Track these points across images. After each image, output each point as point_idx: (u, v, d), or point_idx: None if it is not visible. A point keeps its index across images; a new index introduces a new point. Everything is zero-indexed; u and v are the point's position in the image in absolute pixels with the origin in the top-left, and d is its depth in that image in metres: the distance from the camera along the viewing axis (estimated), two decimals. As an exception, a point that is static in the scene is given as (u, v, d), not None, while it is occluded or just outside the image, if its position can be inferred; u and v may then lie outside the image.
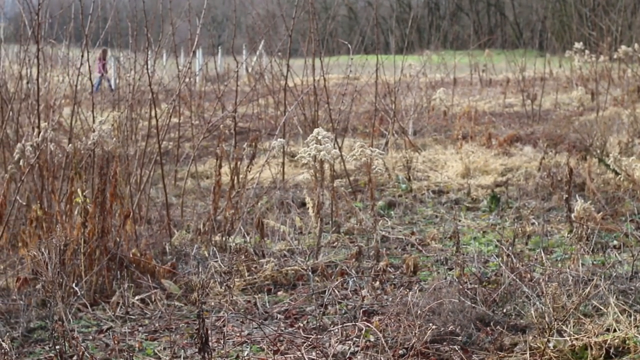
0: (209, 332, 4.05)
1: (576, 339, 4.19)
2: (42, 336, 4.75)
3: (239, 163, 6.88)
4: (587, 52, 16.68)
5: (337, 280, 5.60)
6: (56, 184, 6.13)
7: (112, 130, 5.98)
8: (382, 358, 4.17)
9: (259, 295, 5.48)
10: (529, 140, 11.47)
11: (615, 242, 6.39)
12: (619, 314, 4.50)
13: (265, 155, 7.95)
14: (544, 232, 6.65)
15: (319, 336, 4.53)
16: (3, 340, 4.12)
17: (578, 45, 16.32)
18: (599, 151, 9.56)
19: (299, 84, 11.36)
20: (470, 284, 5.28)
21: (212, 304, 5.24)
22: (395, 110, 11.26)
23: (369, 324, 4.51)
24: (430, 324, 4.28)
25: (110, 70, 19.30)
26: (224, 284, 5.52)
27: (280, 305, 5.29)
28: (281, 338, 4.59)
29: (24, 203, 6.06)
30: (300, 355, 4.19)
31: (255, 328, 4.82)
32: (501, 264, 5.48)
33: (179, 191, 8.65)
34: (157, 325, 4.93)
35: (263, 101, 13.51)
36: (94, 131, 5.83)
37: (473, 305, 4.76)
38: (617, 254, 5.97)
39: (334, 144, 7.64)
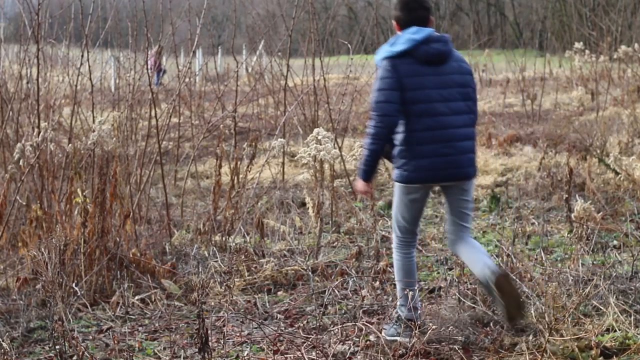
0: (209, 332, 4.05)
1: (576, 339, 4.19)
2: (42, 336, 4.75)
3: (239, 163, 6.89)
4: (587, 52, 16.67)
5: (337, 280, 5.60)
6: (56, 184, 6.14)
7: (112, 130, 5.98)
8: (382, 358, 4.17)
9: (259, 295, 5.48)
10: (529, 140, 11.47)
11: (615, 242, 6.38)
12: (619, 314, 4.50)
13: (265, 155, 7.95)
14: (544, 232, 6.65)
15: (319, 336, 4.53)
16: (3, 340, 4.13)
17: (578, 45, 16.31)
18: (599, 151, 9.56)
19: (299, 84, 11.36)
20: (470, 284, 5.28)
21: (212, 304, 5.24)
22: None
23: (369, 324, 4.51)
24: (430, 324, 4.28)
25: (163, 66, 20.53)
26: (224, 284, 5.52)
27: (280, 305, 5.29)
28: (281, 338, 4.59)
29: (24, 203, 6.06)
30: (300, 355, 4.18)
31: (255, 328, 4.82)
32: (501, 264, 5.48)
33: (179, 191, 8.65)
34: (157, 325, 4.94)
35: (263, 101, 13.51)
36: (94, 131, 5.83)
37: (473, 305, 4.76)
38: (617, 254, 5.96)
39: (334, 144, 7.64)
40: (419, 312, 4.45)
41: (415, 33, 4.35)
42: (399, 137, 4.36)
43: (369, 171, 4.42)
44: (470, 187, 4.50)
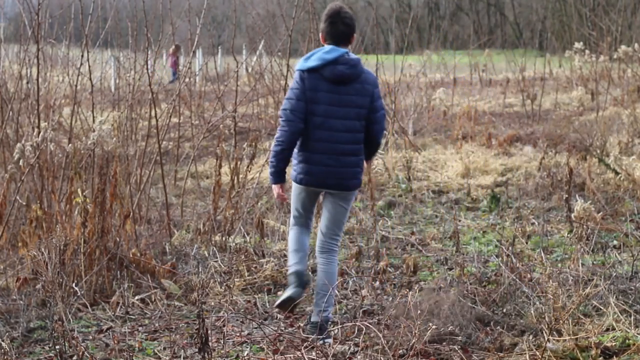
0: (209, 332, 4.05)
1: (576, 338, 4.19)
2: (42, 336, 4.75)
3: (239, 163, 6.88)
4: (587, 52, 16.67)
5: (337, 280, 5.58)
6: (56, 184, 6.13)
7: (112, 130, 5.97)
8: (382, 358, 4.17)
9: (259, 295, 5.47)
10: (529, 140, 11.46)
11: (615, 242, 6.38)
12: (619, 314, 4.50)
13: (265, 155, 7.94)
14: (544, 232, 6.65)
15: (318, 336, 4.52)
16: (3, 340, 4.12)
17: (578, 45, 16.31)
18: (599, 151, 9.56)
19: (299, 84, 11.33)
20: (470, 284, 5.28)
21: (212, 304, 5.24)
22: (395, 110, 11.26)
23: (369, 324, 4.51)
24: (430, 324, 4.28)
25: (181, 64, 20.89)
26: (224, 284, 5.51)
27: (280, 305, 5.28)
28: (281, 338, 4.59)
29: (24, 203, 6.05)
30: (300, 355, 4.18)
31: (255, 328, 4.82)
32: (501, 264, 5.49)
33: (179, 191, 8.64)
34: (157, 325, 4.93)
35: (263, 101, 13.50)
36: (94, 131, 5.83)
37: (473, 305, 4.76)
38: (617, 254, 5.97)
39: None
40: (304, 271, 4.84)
41: (327, 52, 4.76)
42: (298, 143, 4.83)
43: (275, 173, 4.82)
44: (350, 197, 4.90)
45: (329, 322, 4.73)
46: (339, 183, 4.80)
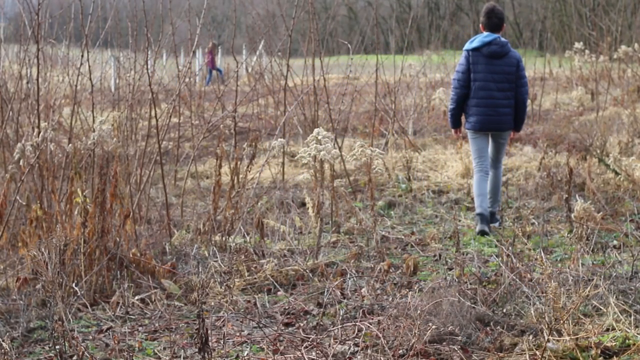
0: (209, 332, 4.05)
1: (576, 338, 4.19)
2: (42, 336, 4.75)
3: (239, 163, 6.88)
4: (587, 52, 16.66)
5: (337, 280, 5.59)
6: (56, 184, 6.13)
7: (112, 130, 5.97)
8: (382, 358, 4.17)
9: (259, 295, 5.47)
10: (529, 140, 11.46)
11: (615, 242, 6.38)
12: (619, 314, 4.50)
13: (265, 155, 7.94)
14: (544, 232, 6.65)
15: (318, 336, 4.52)
16: (3, 340, 4.12)
17: (578, 45, 16.31)
18: (599, 151, 9.56)
19: (299, 84, 11.36)
20: (470, 284, 5.28)
21: (212, 304, 5.24)
22: (395, 110, 11.26)
23: (369, 324, 4.51)
24: (430, 324, 4.28)
25: (218, 62, 20.73)
26: (224, 284, 5.51)
27: (280, 305, 5.29)
28: (281, 338, 4.59)
29: (24, 203, 6.05)
30: (300, 355, 4.18)
31: (255, 328, 4.82)
32: (501, 264, 5.48)
33: (179, 191, 8.64)
34: (157, 325, 4.93)
35: (263, 101, 13.50)
36: (94, 131, 5.83)
37: (473, 305, 4.76)
38: (617, 254, 5.96)
39: (334, 144, 7.64)
40: (487, 213, 6.90)
41: (486, 37, 6.95)
42: (467, 102, 7.05)
43: (453, 123, 7.23)
44: (505, 135, 7.17)
45: (496, 214, 7.14)
46: (497, 126, 7.01)
